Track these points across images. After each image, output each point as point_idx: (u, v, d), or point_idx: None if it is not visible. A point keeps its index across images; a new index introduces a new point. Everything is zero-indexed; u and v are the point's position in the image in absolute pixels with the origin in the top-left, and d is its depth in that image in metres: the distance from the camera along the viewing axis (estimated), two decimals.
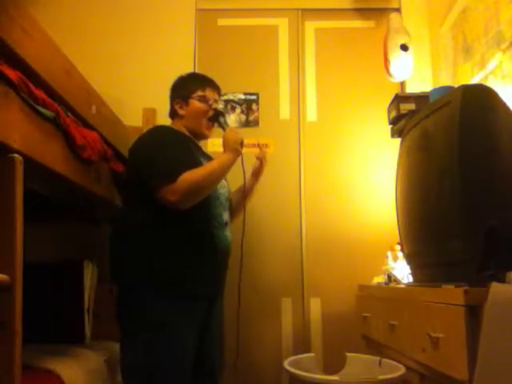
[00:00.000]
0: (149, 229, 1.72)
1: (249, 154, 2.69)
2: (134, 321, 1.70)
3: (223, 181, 1.93)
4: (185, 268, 1.73)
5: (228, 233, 1.88)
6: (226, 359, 2.07)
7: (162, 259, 1.71)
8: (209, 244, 1.78)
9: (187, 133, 1.96)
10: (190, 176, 1.69)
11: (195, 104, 1.96)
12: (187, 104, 1.96)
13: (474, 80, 2.09)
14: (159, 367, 1.64)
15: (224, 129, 1.94)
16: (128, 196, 1.86)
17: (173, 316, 1.68)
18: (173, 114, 2.01)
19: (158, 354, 1.65)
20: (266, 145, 2.74)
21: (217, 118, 1.98)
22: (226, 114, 2.08)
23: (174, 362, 1.66)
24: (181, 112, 1.97)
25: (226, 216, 1.89)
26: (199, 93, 1.97)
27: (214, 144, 2.55)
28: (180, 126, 1.97)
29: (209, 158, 1.97)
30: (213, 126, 2.01)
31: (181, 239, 1.73)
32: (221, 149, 1.89)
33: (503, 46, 1.84)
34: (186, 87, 2.00)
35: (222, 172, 1.81)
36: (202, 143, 2.10)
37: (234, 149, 1.82)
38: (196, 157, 1.85)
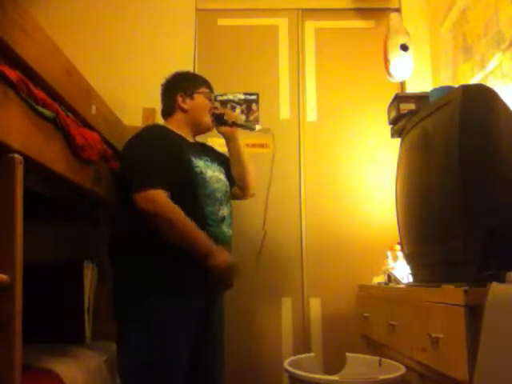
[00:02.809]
0: (143, 228, 1.70)
1: (248, 154, 2.71)
2: (128, 320, 1.70)
3: (219, 175, 1.93)
4: (180, 265, 1.70)
5: (226, 228, 1.86)
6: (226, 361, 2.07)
7: (156, 258, 1.70)
8: None
9: (182, 132, 1.93)
10: (173, 208, 1.66)
11: (201, 99, 1.97)
12: (192, 98, 1.95)
13: (474, 80, 2.09)
14: (153, 367, 1.63)
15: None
16: (121, 196, 1.83)
17: (167, 315, 1.67)
18: (170, 111, 1.97)
19: (152, 353, 1.64)
20: (266, 144, 2.74)
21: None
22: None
23: (168, 362, 1.65)
24: (184, 106, 1.94)
25: (223, 211, 1.87)
26: (205, 89, 1.99)
27: (213, 143, 2.55)
28: (177, 125, 1.94)
29: (206, 154, 1.96)
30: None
31: None
32: (223, 149, 1.95)
33: (503, 46, 1.84)
34: (190, 82, 1.99)
35: (187, 238, 1.68)
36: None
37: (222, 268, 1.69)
38: (185, 157, 1.81)
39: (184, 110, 1.95)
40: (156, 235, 1.70)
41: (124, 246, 1.76)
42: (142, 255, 1.71)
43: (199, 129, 2.00)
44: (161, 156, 1.75)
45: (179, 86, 1.97)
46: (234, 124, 2.04)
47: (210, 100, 2.00)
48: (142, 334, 1.66)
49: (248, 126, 2.09)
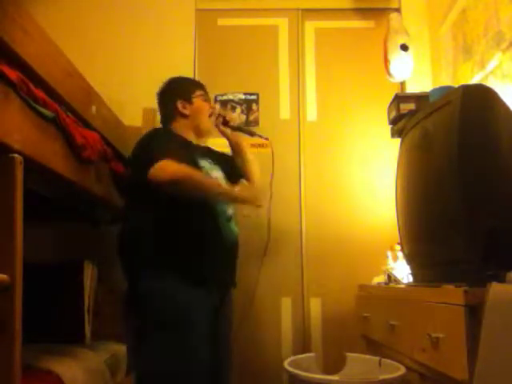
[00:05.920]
0: (159, 229, 1.72)
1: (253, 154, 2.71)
2: (149, 322, 1.69)
3: (219, 173, 1.94)
4: (197, 260, 1.73)
5: (234, 226, 1.89)
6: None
7: (173, 256, 1.71)
8: (218, 240, 1.79)
9: (186, 136, 1.94)
10: (186, 168, 1.68)
11: (199, 102, 2.00)
12: (191, 103, 1.98)
13: (474, 80, 2.09)
14: (178, 368, 1.63)
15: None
16: (134, 197, 1.84)
17: (188, 313, 1.68)
18: (171, 117, 1.98)
19: (174, 355, 1.63)
20: (266, 145, 2.74)
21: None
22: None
23: (192, 363, 1.65)
24: (185, 112, 1.96)
25: (230, 210, 1.89)
26: (200, 91, 2.02)
27: (214, 144, 2.55)
28: (180, 129, 1.95)
29: (210, 157, 1.97)
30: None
31: (191, 236, 1.74)
32: (223, 149, 1.94)
33: (503, 46, 1.84)
34: (186, 87, 2.02)
35: (211, 192, 1.77)
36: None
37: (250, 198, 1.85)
38: (193, 157, 1.84)
39: (185, 116, 1.97)
40: (169, 235, 1.72)
41: (138, 247, 1.75)
42: (157, 255, 1.72)
43: (201, 132, 2.02)
44: (174, 148, 1.75)
45: (177, 93, 1.99)
46: (238, 129, 2.11)
47: (206, 101, 2.04)
48: (164, 334, 1.64)
49: (249, 131, 2.14)
